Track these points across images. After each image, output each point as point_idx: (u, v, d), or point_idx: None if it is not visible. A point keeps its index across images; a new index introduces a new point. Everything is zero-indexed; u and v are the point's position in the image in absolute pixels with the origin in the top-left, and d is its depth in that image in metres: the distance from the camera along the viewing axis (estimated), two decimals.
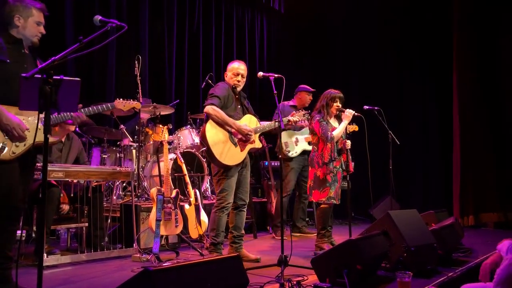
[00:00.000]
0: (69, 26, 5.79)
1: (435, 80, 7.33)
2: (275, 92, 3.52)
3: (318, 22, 8.44)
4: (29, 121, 2.76)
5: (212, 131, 3.76)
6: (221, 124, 3.77)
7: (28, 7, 2.87)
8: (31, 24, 2.87)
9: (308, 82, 6.04)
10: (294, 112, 4.32)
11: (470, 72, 6.40)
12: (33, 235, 4.13)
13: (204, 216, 4.52)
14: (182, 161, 4.59)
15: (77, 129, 5.29)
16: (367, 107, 4.93)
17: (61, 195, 4.05)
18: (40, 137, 2.25)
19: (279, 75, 3.65)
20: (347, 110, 4.33)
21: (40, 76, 2.09)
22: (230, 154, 3.77)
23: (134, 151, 5.45)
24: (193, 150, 5.42)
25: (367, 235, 3.23)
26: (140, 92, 5.01)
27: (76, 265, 3.80)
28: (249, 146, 3.91)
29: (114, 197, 5.04)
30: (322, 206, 4.30)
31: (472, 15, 6.40)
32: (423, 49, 7.44)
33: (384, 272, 3.27)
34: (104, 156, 5.21)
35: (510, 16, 6.22)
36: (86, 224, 4.22)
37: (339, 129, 4.28)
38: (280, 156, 5.24)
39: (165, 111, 5.36)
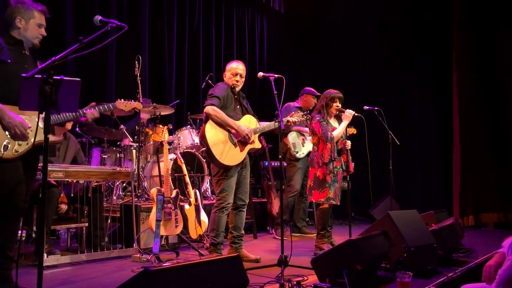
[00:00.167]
0: (69, 26, 5.79)
1: (435, 80, 7.33)
2: (275, 92, 3.52)
3: (318, 22, 8.44)
4: (32, 120, 2.77)
5: (212, 132, 3.76)
6: (221, 124, 3.77)
7: (29, 9, 2.88)
8: (32, 26, 2.88)
9: (308, 82, 6.05)
10: (293, 112, 4.32)
11: (470, 72, 6.40)
12: (33, 235, 4.12)
13: (204, 216, 4.52)
14: (182, 161, 4.59)
15: (77, 129, 5.30)
16: (367, 107, 4.93)
17: (61, 195, 4.06)
18: (41, 137, 2.26)
19: (279, 76, 3.65)
20: (347, 110, 4.33)
21: (40, 76, 2.10)
22: (230, 155, 3.78)
23: (134, 151, 5.45)
24: (193, 150, 5.42)
25: (367, 235, 3.23)
26: (140, 92, 5.01)
27: (76, 265, 3.80)
28: (248, 147, 3.91)
29: (114, 197, 5.04)
30: (321, 206, 4.30)
31: (472, 15, 6.40)
32: (423, 49, 7.44)
33: (384, 272, 3.27)
34: (104, 156, 5.21)
35: (510, 16, 6.22)
36: (86, 224, 4.22)
37: (339, 129, 4.28)
38: (287, 157, 5.26)
39: (165, 111, 5.36)
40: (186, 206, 4.40)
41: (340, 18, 8.35)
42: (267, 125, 4.00)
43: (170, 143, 5.17)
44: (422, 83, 7.52)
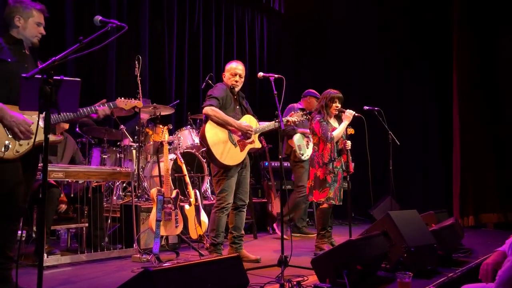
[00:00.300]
0: (69, 26, 5.79)
1: (435, 80, 7.34)
2: (275, 92, 3.52)
3: (318, 22, 8.44)
4: (33, 119, 2.77)
5: (212, 132, 3.76)
6: (221, 124, 3.77)
7: (28, 8, 2.88)
8: (31, 25, 2.88)
9: (308, 82, 6.05)
10: (292, 112, 4.32)
11: (470, 72, 6.40)
12: (33, 235, 4.12)
13: (204, 217, 4.52)
14: (182, 161, 4.59)
15: (77, 129, 5.30)
16: (367, 107, 4.93)
17: (61, 195, 4.05)
18: (41, 137, 2.26)
19: (279, 76, 3.65)
20: (348, 110, 4.33)
21: (40, 76, 2.09)
22: (230, 154, 3.78)
23: (134, 151, 5.45)
24: (193, 151, 5.42)
25: (367, 235, 3.23)
26: (141, 93, 5.01)
27: (76, 265, 3.80)
28: (248, 146, 3.91)
29: (114, 197, 5.04)
30: (321, 206, 4.30)
31: (472, 15, 6.39)
32: (423, 49, 7.44)
33: (384, 272, 3.27)
34: (104, 156, 5.21)
35: (510, 16, 6.22)
36: (86, 225, 4.22)
37: (339, 129, 4.28)
38: (291, 158, 5.25)
39: (165, 111, 5.36)
40: (186, 206, 4.40)
41: (340, 18, 8.35)
42: (267, 125, 4.00)
43: (170, 143, 5.17)
44: (422, 83, 7.52)
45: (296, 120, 4.21)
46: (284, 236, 4.98)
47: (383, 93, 7.63)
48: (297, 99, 5.81)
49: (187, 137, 5.58)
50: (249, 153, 3.99)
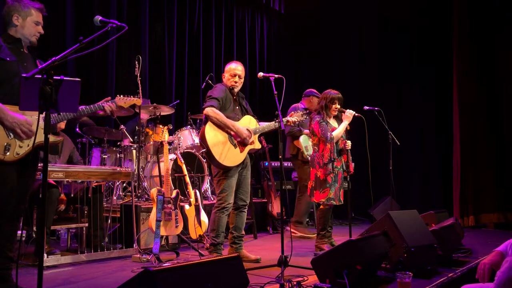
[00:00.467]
0: (69, 26, 5.78)
1: (435, 80, 7.34)
2: (275, 92, 3.52)
3: (318, 22, 8.44)
4: (33, 119, 2.76)
5: (212, 133, 3.75)
6: (220, 126, 3.77)
7: (27, 7, 2.87)
8: (29, 24, 2.87)
9: (308, 82, 6.05)
10: (293, 112, 4.31)
11: (470, 72, 6.40)
12: (33, 235, 4.12)
13: (204, 217, 4.52)
14: (182, 161, 4.59)
15: (77, 129, 5.30)
16: (367, 107, 4.93)
17: (61, 195, 4.05)
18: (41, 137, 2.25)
19: (280, 76, 3.65)
20: (348, 110, 4.33)
21: (40, 76, 2.09)
22: (230, 155, 3.77)
23: (134, 151, 5.45)
24: (193, 151, 5.42)
25: (367, 235, 3.22)
26: (141, 93, 5.01)
27: (76, 265, 3.80)
28: (248, 147, 3.91)
29: (114, 197, 5.04)
30: (322, 207, 4.30)
31: (472, 14, 6.39)
32: (423, 48, 7.45)
33: (384, 272, 3.27)
34: (104, 156, 5.21)
35: (510, 16, 6.22)
36: (86, 225, 4.22)
37: (339, 129, 4.28)
38: (299, 158, 5.25)
39: (165, 111, 5.36)
40: (186, 206, 4.40)
41: (340, 18, 8.36)
42: (267, 125, 3.99)
43: (170, 143, 5.17)
44: (423, 83, 7.52)
45: (296, 120, 4.21)
46: (298, 233, 4.97)
47: (383, 93, 7.64)
48: (297, 99, 5.80)
49: (187, 137, 5.58)
50: (249, 153, 3.99)
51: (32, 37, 2.90)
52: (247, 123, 3.93)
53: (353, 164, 4.37)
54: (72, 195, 4.27)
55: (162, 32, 6.94)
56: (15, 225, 2.89)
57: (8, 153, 2.68)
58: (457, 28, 6.47)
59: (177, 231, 4.12)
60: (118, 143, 5.46)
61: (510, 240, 2.15)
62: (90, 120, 5.10)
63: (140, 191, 4.95)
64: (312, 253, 4.15)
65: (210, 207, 4.17)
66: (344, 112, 4.34)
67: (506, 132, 6.25)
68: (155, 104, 5.14)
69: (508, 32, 6.21)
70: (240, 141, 3.83)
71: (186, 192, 4.62)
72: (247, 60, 8.11)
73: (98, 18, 2.38)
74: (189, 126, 5.75)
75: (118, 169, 4.19)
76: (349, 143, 4.33)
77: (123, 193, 5.35)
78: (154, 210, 3.93)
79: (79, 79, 2.38)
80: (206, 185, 5.60)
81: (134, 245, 4.17)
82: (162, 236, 4.11)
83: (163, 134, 4.29)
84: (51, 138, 2.83)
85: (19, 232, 3.27)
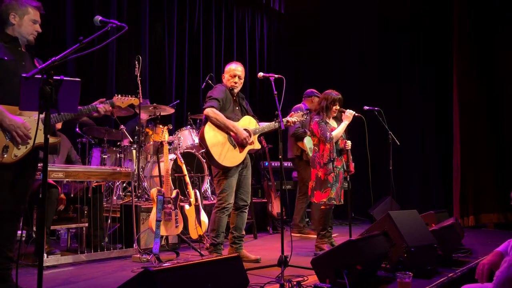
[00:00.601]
0: (69, 26, 5.78)
1: (435, 80, 7.34)
2: (275, 92, 3.52)
3: (318, 22, 8.45)
4: (31, 121, 2.74)
5: (211, 133, 3.75)
6: (220, 127, 3.77)
7: (23, 5, 2.84)
8: (26, 22, 2.84)
9: (308, 82, 6.05)
10: (292, 112, 4.31)
11: (470, 72, 6.40)
12: (33, 235, 4.12)
13: (204, 217, 4.52)
14: (182, 161, 4.59)
15: (77, 129, 5.30)
16: (367, 107, 4.93)
17: (60, 195, 4.05)
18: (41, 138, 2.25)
19: (280, 76, 3.65)
20: (348, 110, 4.33)
21: (40, 76, 2.09)
22: (229, 156, 3.77)
23: (134, 151, 5.45)
24: (193, 151, 5.42)
25: (367, 235, 3.22)
26: (141, 93, 5.01)
27: (76, 265, 3.80)
28: (248, 147, 3.91)
29: (114, 197, 5.04)
30: (322, 207, 4.30)
31: (472, 14, 6.39)
32: (423, 48, 7.45)
33: (384, 272, 3.27)
34: (104, 156, 5.21)
35: (510, 16, 6.22)
36: (86, 224, 4.21)
37: (338, 129, 4.28)
38: (304, 159, 5.26)
39: (165, 111, 5.35)
40: (186, 207, 4.40)
41: (340, 18, 8.36)
42: (266, 125, 3.99)
43: (170, 143, 5.17)
44: (423, 83, 7.52)
45: (296, 120, 4.20)
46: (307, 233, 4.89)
47: (383, 93, 7.64)
48: (297, 99, 5.80)
49: (187, 137, 5.58)
50: (249, 153, 3.99)
51: (29, 36, 2.87)
52: (247, 124, 3.93)
53: (353, 164, 4.36)
54: (72, 195, 4.27)
55: (162, 32, 6.94)
56: (15, 225, 2.88)
57: (5, 155, 2.66)
58: (457, 28, 6.46)
59: (177, 231, 4.12)
60: (118, 143, 5.46)
61: (510, 240, 2.15)
62: (90, 120, 5.10)
63: (140, 191, 4.95)
64: (312, 253, 4.15)
65: (210, 207, 4.17)
66: (344, 112, 4.34)
67: (506, 132, 6.25)
68: (155, 104, 5.14)
69: (508, 32, 6.21)
70: (239, 143, 3.83)
71: (186, 192, 4.62)
72: (247, 60, 8.12)
73: (98, 18, 2.38)
74: (189, 126, 5.76)
75: (118, 169, 4.19)
76: (349, 143, 4.33)
77: (123, 193, 5.35)
78: (154, 210, 3.93)
79: (79, 79, 2.38)
80: (206, 185, 5.60)
81: (134, 245, 4.17)
82: (162, 236, 4.11)
83: (163, 134, 4.29)
84: (50, 139, 2.83)
85: (19, 232, 3.27)
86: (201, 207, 4.54)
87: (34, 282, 1.99)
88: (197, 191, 4.59)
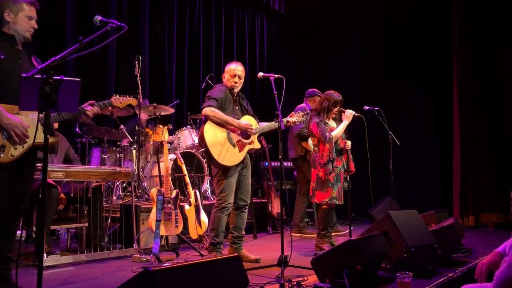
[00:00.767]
0: (69, 26, 5.78)
1: (435, 80, 7.34)
2: (275, 92, 3.52)
3: (318, 22, 8.44)
4: (28, 121, 2.73)
5: (211, 132, 3.76)
6: (220, 124, 3.77)
7: (17, 1, 2.80)
8: (22, 19, 2.80)
9: (308, 82, 6.04)
10: (293, 112, 4.31)
11: (470, 72, 6.40)
12: (33, 235, 4.12)
13: (204, 217, 4.52)
14: (182, 161, 4.59)
15: (77, 129, 5.30)
16: (367, 107, 4.93)
17: (60, 195, 4.05)
18: (40, 138, 2.25)
19: (280, 76, 3.65)
20: (348, 110, 4.33)
21: (40, 76, 2.09)
22: (229, 155, 3.77)
23: (134, 151, 5.45)
24: (193, 151, 5.42)
25: (367, 235, 3.22)
26: (141, 93, 5.01)
27: (76, 265, 3.80)
28: (248, 147, 3.91)
29: (114, 197, 5.04)
30: (323, 206, 4.29)
31: (472, 14, 6.39)
32: (423, 48, 7.45)
33: (384, 272, 3.27)
34: (104, 156, 5.21)
35: (510, 16, 6.21)
36: (86, 224, 4.22)
37: (338, 129, 4.28)
38: (307, 158, 5.27)
39: (165, 111, 5.36)
40: (186, 206, 4.40)
41: (340, 18, 8.36)
42: (266, 125, 3.99)
43: (170, 143, 5.17)
44: (423, 83, 7.52)
45: (296, 120, 4.19)
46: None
47: (383, 93, 7.64)
48: (297, 99, 5.79)
49: (187, 137, 5.58)
50: (249, 153, 3.99)
51: (25, 33, 2.83)
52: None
53: (353, 163, 4.36)
54: (72, 195, 4.27)
55: (162, 32, 6.94)
56: (14, 225, 2.87)
57: (2, 155, 2.64)
58: (457, 28, 6.46)
59: (177, 231, 4.12)
60: (118, 143, 5.46)
61: (509, 241, 2.15)
62: (90, 120, 5.09)
63: (140, 191, 4.95)
64: (312, 253, 4.15)
65: (210, 207, 4.17)
66: (344, 112, 4.34)
67: (506, 132, 6.24)
68: (155, 104, 5.14)
69: (508, 32, 6.21)
70: (242, 134, 3.83)
71: (186, 192, 4.62)
72: (247, 60, 8.11)
73: (98, 18, 2.38)
74: (189, 126, 5.76)
75: (118, 169, 4.19)
76: (349, 143, 4.33)
77: (123, 193, 5.35)
78: (154, 210, 3.93)
79: (79, 79, 2.38)
80: (206, 185, 5.60)
81: (134, 245, 4.17)
82: (162, 236, 4.11)
83: (163, 134, 4.29)
84: (49, 139, 2.81)
85: (19, 232, 3.27)
86: (201, 207, 4.54)
87: (34, 282, 1.99)
88: (197, 191, 4.59)
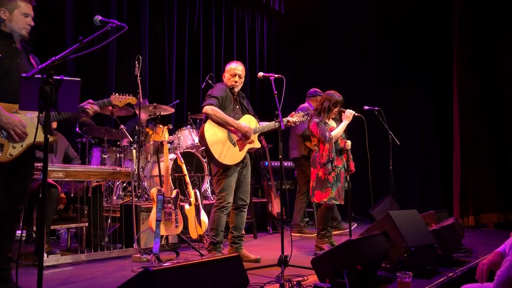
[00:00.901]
0: (69, 26, 5.78)
1: (435, 80, 7.34)
2: (275, 92, 3.52)
3: (318, 22, 8.44)
4: (26, 120, 2.71)
5: (211, 131, 3.76)
6: (220, 123, 3.77)
7: None
8: (17, 16, 2.77)
9: (308, 82, 6.03)
10: (293, 112, 4.31)
11: (470, 72, 6.40)
12: (33, 235, 4.12)
13: (204, 216, 4.52)
14: (182, 161, 4.59)
15: (77, 129, 5.30)
16: (367, 107, 4.93)
17: (60, 195, 4.05)
18: (39, 137, 2.25)
19: (280, 75, 3.64)
20: (348, 110, 4.33)
21: (40, 76, 2.09)
22: (229, 154, 3.78)
23: (134, 151, 5.45)
24: (193, 150, 5.42)
25: (367, 235, 3.23)
26: (141, 93, 5.01)
27: (76, 265, 3.80)
28: (248, 146, 3.91)
29: (114, 197, 5.04)
30: (323, 206, 4.30)
31: (472, 14, 6.39)
32: (423, 49, 7.44)
33: (384, 272, 3.27)
34: (104, 156, 5.21)
35: (510, 16, 6.21)
36: (86, 224, 4.22)
37: (338, 129, 4.29)
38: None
39: (165, 111, 5.36)
40: (186, 206, 4.40)
41: (340, 18, 8.36)
42: (266, 125, 3.99)
43: (170, 143, 5.17)
44: (423, 83, 7.52)
45: (297, 120, 4.19)
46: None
47: (383, 93, 7.64)
48: (297, 99, 5.79)
49: (187, 137, 5.58)
50: (249, 153, 3.99)
51: (22, 30, 2.80)
52: (247, 122, 3.93)
53: (353, 163, 4.36)
54: (72, 195, 4.27)
55: (162, 32, 6.94)
56: (13, 225, 2.87)
57: (1, 154, 2.63)
58: (457, 28, 6.46)
59: (177, 231, 4.12)
60: (118, 143, 5.46)
61: (510, 240, 2.15)
62: (90, 120, 5.09)
63: (140, 191, 4.95)
64: (312, 253, 4.15)
65: (210, 206, 4.16)
66: (343, 112, 4.34)
67: (506, 132, 6.24)
68: (155, 103, 5.15)
69: (508, 32, 6.21)
70: (242, 136, 3.83)
71: (186, 192, 4.62)
72: (247, 60, 8.11)
73: (98, 18, 2.38)
74: (189, 126, 5.76)
75: (118, 169, 4.19)
76: (349, 142, 4.33)
77: (123, 193, 5.35)
78: (154, 210, 3.93)
79: (79, 79, 2.38)
80: (206, 185, 5.60)
81: (134, 245, 4.17)
82: (162, 236, 4.11)
83: (163, 134, 4.29)
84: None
85: (19, 232, 3.27)
86: (201, 206, 4.54)
87: (34, 282, 1.99)
88: (197, 190, 4.59)
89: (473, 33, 6.38)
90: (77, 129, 5.31)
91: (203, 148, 3.83)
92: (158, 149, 4.87)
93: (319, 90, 5.56)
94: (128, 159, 5.45)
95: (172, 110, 5.54)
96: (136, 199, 4.70)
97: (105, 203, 4.58)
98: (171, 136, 5.26)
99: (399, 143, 5.16)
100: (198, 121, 6.10)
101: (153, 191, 4.00)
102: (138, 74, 5.06)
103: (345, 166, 4.33)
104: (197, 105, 6.89)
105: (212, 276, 2.18)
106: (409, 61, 7.70)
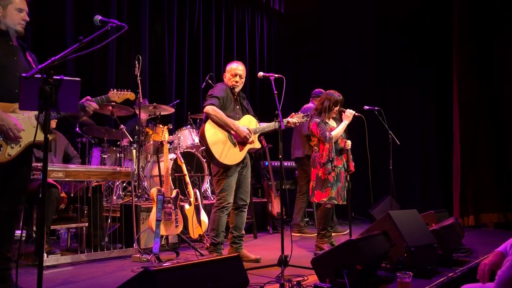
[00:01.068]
0: (69, 26, 5.78)
1: (435, 80, 7.34)
2: (275, 92, 3.52)
3: (318, 22, 8.44)
4: (24, 119, 2.71)
5: (211, 131, 3.76)
6: (220, 124, 3.77)
7: None
8: (11, 12, 2.75)
9: (308, 82, 6.03)
10: (293, 113, 4.30)
11: (470, 72, 6.40)
12: (33, 235, 4.12)
13: (204, 216, 4.52)
14: (182, 161, 4.59)
15: (77, 129, 5.30)
16: (367, 107, 4.93)
17: (61, 195, 4.05)
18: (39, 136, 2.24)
19: (280, 75, 3.64)
20: (348, 110, 4.33)
21: (40, 76, 2.08)
22: (230, 154, 3.78)
23: (134, 151, 5.45)
24: (193, 150, 5.42)
25: (367, 235, 3.22)
26: (141, 92, 5.01)
27: (76, 265, 3.80)
28: (248, 146, 3.91)
29: (114, 197, 5.04)
30: (323, 206, 4.30)
31: (472, 14, 6.39)
32: (423, 49, 7.45)
33: (384, 272, 3.27)
34: (104, 156, 5.21)
35: (510, 16, 6.21)
36: (86, 224, 4.21)
37: (338, 129, 4.29)
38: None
39: (165, 111, 5.36)
40: (186, 206, 4.40)
41: (340, 18, 8.36)
42: (267, 125, 3.99)
43: (170, 143, 5.17)
44: (423, 83, 7.53)
45: (297, 121, 4.19)
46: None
47: (383, 93, 7.64)
48: (297, 99, 5.79)
49: (187, 137, 5.58)
50: (249, 153, 3.99)
51: (17, 26, 2.78)
52: (247, 123, 3.93)
53: (353, 163, 4.36)
54: (72, 195, 4.27)
55: (162, 32, 6.94)
56: (12, 225, 2.86)
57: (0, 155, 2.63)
58: (457, 28, 6.46)
59: (177, 231, 4.12)
60: (118, 143, 5.46)
61: (510, 240, 2.15)
62: (90, 119, 5.10)
63: (140, 190, 4.95)
64: (312, 253, 4.15)
65: (210, 206, 4.17)
66: (344, 112, 4.35)
67: (506, 132, 6.24)
68: (155, 103, 5.15)
69: (508, 32, 6.21)
70: (240, 141, 3.83)
71: (186, 192, 4.62)
72: (247, 60, 8.11)
73: (98, 17, 2.37)
74: (189, 126, 5.76)
75: (118, 168, 4.19)
76: (349, 142, 4.33)
77: (123, 193, 5.35)
78: (154, 210, 3.93)
79: (79, 79, 2.37)
80: (206, 185, 5.60)
81: (134, 245, 4.17)
82: (162, 236, 4.11)
83: (163, 133, 4.29)
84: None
85: (19, 232, 3.26)
86: (201, 206, 4.54)
87: (34, 282, 1.99)
88: (197, 190, 4.59)
89: (473, 33, 6.38)
90: (77, 129, 5.31)
91: (203, 148, 3.82)
92: (158, 149, 4.87)
93: (323, 91, 5.56)
94: (128, 159, 5.44)
95: (172, 110, 5.54)
96: (136, 199, 4.70)
97: (105, 203, 4.57)
98: (171, 136, 5.26)
99: (399, 143, 5.16)
100: (198, 121, 6.10)
101: (153, 191, 4.00)
102: (138, 74, 5.06)
103: (345, 166, 4.33)
104: (197, 105, 6.89)
105: (212, 276, 2.18)
106: (409, 61, 7.70)
